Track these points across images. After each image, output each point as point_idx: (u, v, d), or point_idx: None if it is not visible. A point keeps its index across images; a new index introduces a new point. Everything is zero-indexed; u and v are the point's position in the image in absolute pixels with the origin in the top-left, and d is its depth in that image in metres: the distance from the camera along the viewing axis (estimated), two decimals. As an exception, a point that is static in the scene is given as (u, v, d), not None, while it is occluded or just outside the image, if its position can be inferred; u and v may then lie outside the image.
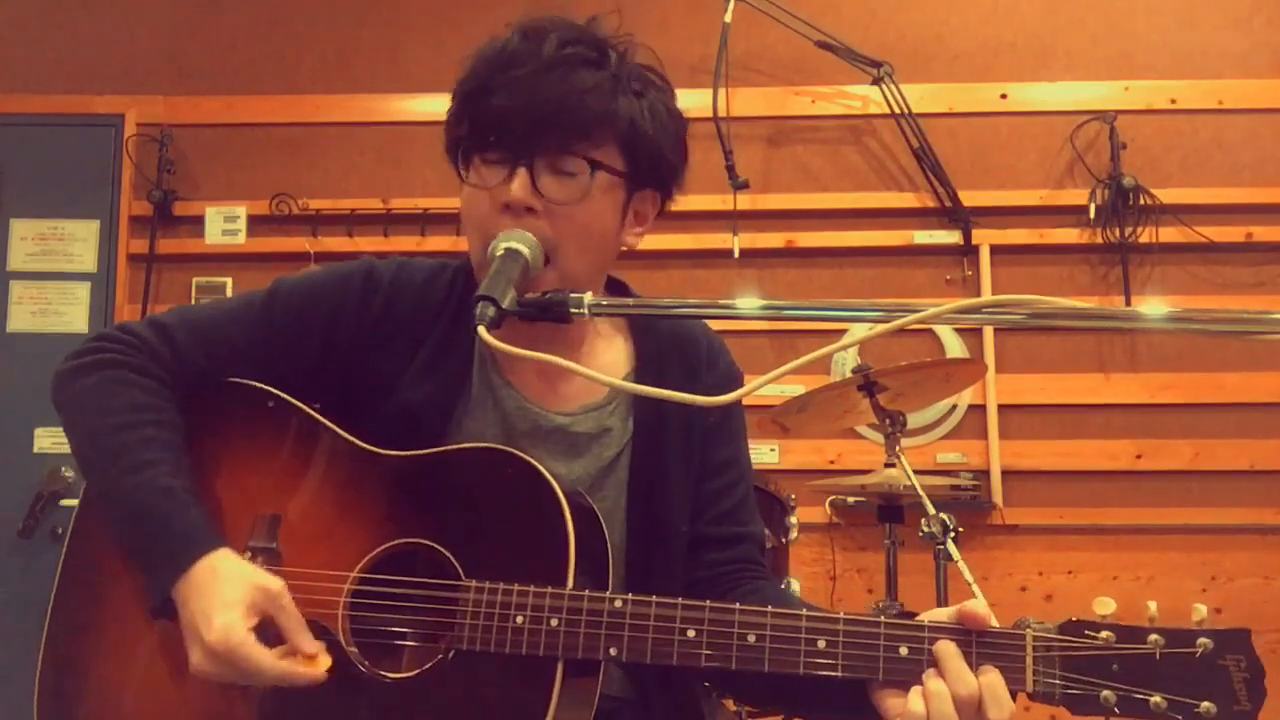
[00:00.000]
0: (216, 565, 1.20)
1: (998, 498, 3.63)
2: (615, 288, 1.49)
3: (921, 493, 2.42)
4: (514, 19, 1.33)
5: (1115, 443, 3.65)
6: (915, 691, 1.08)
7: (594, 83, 1.27)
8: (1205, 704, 1.04)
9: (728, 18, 3.67)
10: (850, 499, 3.60)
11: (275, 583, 1.20)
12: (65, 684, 1.29)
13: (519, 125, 1.26)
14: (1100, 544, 3.62)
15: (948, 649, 1.08)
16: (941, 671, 1.08)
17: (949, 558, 2.41)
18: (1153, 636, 1.07)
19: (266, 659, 1.16)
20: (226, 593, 1.17)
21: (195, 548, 1.21)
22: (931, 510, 2.40)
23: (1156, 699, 1.05)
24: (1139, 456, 3.65)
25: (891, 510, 2.84)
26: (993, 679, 1.07)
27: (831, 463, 3.68)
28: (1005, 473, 3.65)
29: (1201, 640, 1.06)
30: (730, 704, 2.44)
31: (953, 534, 2.40)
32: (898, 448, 2.58)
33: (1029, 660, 1.07)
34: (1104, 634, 1.07)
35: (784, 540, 2.65)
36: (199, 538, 1.22)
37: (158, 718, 1.26)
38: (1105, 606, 1.09)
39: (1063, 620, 1.09)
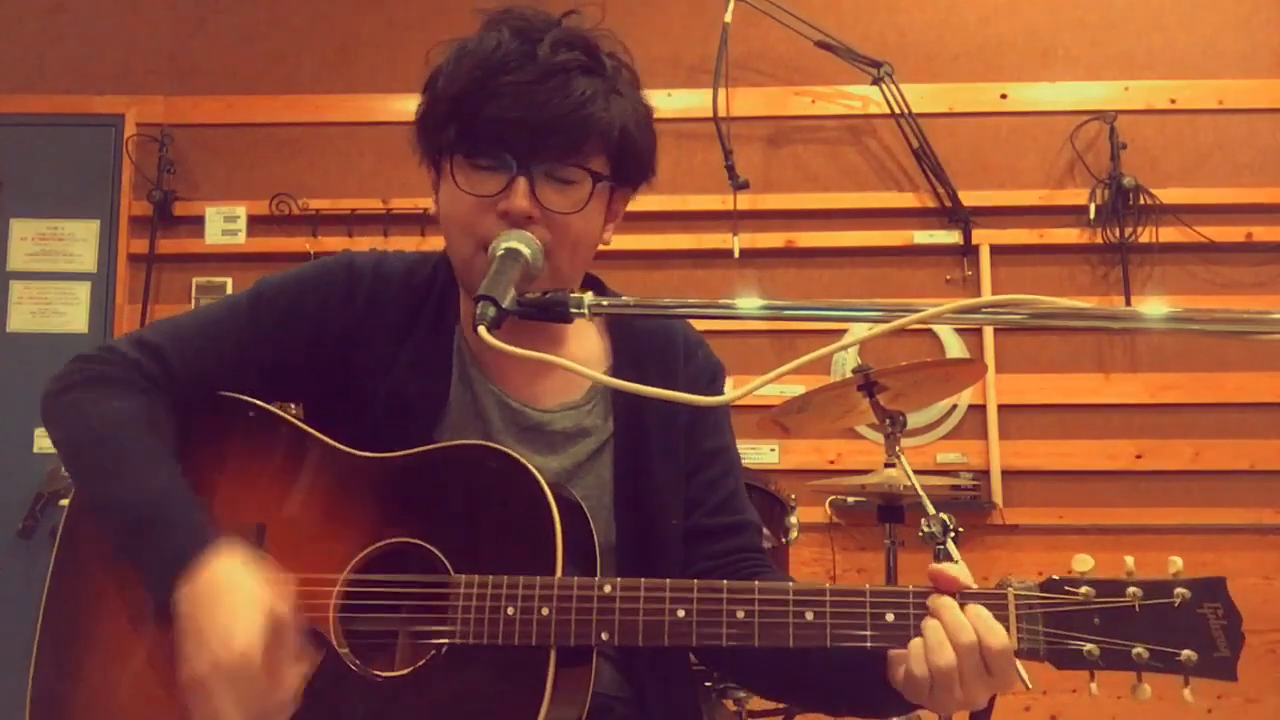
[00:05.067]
0: (233, 570, 1.16)
1: (998, 498, 3.63)
2: (590, 285, 1.47)
3: (921, 493, 2.41)
4: (484, 7, 1.33)
5: (1115, 443, 3.65)
6: (915, 641, 1.11)
7: (592, 92, 1.26)
8: (1186, 652, 1.06)
9: (728, 18, 3.68)
10: (850, 499, 3.60)
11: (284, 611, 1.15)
12: (58, 690, 1.28)
13: (520, 135, 1.26)
14: (1100, 544, 3.61)
15: (944, 599, 1.11)
16: (939, 619, 1.10)
17: (949, 558, 2.40)
18: (1131, 589, 1.09)
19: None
20: (246, 617, 1.12)
21: (206, 542, 1.18)
22: (931, 510, 2.39)
23: (1139, 650, 1.06)
24: (1139, 456, 3.65)
25: (891, 510, 2.83)
26: (979, 610, 1.09)
27: (831, 463, 3.68)
28: (1005, 473, 3.65)
29: (1179, 590, 1.08)
30: (730, 704, 2.44)
31: (953, 534, 2.39)
32: (898, 448, 2.58)
33: (1012, 618, 1.09)
34: (1084, 589, 1.09)
35: (784, 540, 2.64)
36: (209, 534, 1.19)
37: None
38: (1084, 563, 1.11)
39: (1043, 579, 1.11)
